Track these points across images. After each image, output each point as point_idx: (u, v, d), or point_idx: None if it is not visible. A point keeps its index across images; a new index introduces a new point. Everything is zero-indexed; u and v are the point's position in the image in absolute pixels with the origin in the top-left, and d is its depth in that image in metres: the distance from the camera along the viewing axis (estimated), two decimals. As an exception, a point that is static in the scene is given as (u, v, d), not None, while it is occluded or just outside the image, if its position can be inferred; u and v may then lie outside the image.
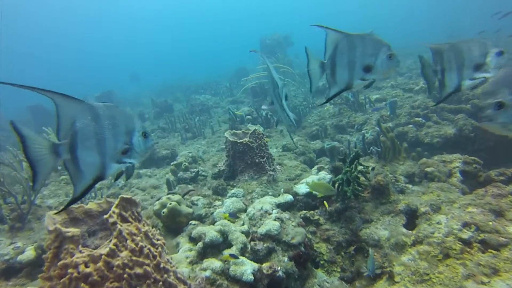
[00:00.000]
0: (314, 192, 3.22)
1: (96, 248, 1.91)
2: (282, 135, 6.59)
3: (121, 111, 1.41)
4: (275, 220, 2.69)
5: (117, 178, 1.78)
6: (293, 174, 4.55)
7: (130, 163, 1.48)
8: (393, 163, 4.16)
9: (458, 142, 5.23)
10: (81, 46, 61.81)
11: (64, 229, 1.65)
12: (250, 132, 4.38)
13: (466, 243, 2.22)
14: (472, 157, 3.55)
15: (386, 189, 3.16)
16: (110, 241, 1.74)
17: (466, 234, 2.25)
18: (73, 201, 1.35)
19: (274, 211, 2.85)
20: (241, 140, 4.24)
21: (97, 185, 5.29)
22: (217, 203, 3.43)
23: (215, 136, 7.21)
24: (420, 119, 5.94)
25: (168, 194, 3.42)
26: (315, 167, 4.28)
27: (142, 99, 15.93)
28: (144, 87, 19.31)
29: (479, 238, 2.20)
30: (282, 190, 3.57)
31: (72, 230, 1.67)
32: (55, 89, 1.26)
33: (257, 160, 4.27)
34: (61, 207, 1.66)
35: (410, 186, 3.65)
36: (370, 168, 3.28)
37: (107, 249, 1.63)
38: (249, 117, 6.83)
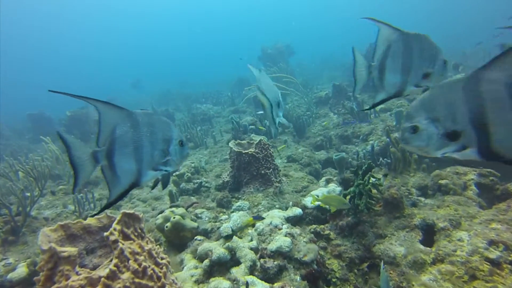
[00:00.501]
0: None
1: (94, 268, 1.75)
2: (286, 146, 6.45)
3: (160, 118, 1.43)
4: (286, 236, 2.52)
5: (154, 186, 1.87)
6: (299, 186, 4.40)
7: (166, 170, 1.48)
8: (404, 175, 4.02)
9: (467, 153, 5.09)
10: (80, 50, 62.05)
11: (59, 249, 1.49)
12: (255, 142, 4.25)
13: (495, 263, 2.06)
14: (488, 169, 3.41)
15: (400, 203, 3.01)
16: (111, 261, 1.58)
17: (493, 254, 2.09)
18: (108, 205, 1.37)
19: (284, 226, 2.68)
20: (246, 151, 4.10)
21: (97, 196, 5.13)
22: (223, 216, 3.27)
23: (217, 146, 7.07)
24: (427, 129, 5.82)
25: (171, 206, 3.26)
26: (323, 178, 4.13)
27: (143, 105, 15.87)
28: (144, 93, 19.27)
29: (510, 258, 2.04)
30: (290, 203, 3.41)
31: (69, 250, 1.51)
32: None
33: (263, 172, 4.12)
34: (93, 212, 1.54)
35: (422, 199, 3.49)
36: (382, 177, 3.14)
37: (107, 270, 1.47)
38: (252, 127, 6.71)
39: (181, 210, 2.80)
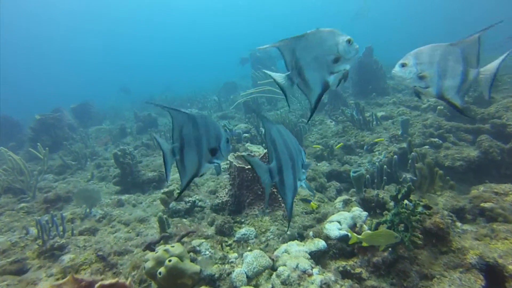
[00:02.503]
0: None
1: None
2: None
3: (212, 120, 1.65)
4: (321, 287, 1.92)
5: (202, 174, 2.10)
6: (309, 207, 3.81)
7: (217, 163, 1.68)
8: (430, 194, 3.53)
9: (482, 166, 4.72)
10: (59, 53, 59.20)
11: None
12: (260, 155, 3.64)
13: None
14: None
15: (446, 234, 2.48)
16: None
17: None
18: (181, 192, 1.83)
19: (315, 270, 2.08)
20: (249, 166, 3.47)
21: (69, 215, 4.32)
22: (232, 255, 2.61)
23: (207, 155, 6.39)
24: (436, 139, 5.43)
25: (164, 244, 2.59)
26: (339, 199, 3.57)
27: (122, 111, 14.86)
28: (124, 99, 18.22)
29: None
30: (310, 233, 2.81)
31: None
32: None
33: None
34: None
35: (459, 224, 3.00)
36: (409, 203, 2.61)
37: None
38: (246, 135, 6.09)
39: (178, 249, 2.14)
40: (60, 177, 6.50)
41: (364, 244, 2.31)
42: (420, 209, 2.35)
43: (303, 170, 1.59)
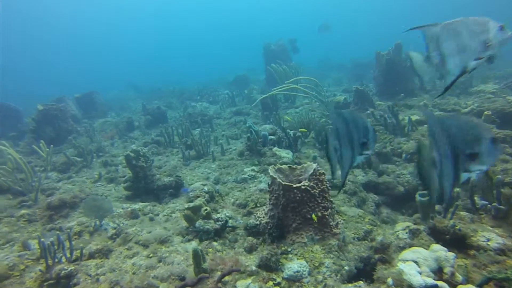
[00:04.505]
0: None
1: None
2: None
3: (358, 114, 1.79)
4: None
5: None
6: (361, 231, 3.23)
7: (367, 154, 1.76)
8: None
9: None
10: (66, 45, 57.74)
11: None
12: (309, 172, 3.03)
13: None
14: None
15: None
16: None
17: None
18: (344, 183, 1.96)
19: None
20: (298, 185, 2.88)
21: (76, 227, 3.76)
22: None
23: (227, 157, 5.78)
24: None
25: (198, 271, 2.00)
26: (401, 226, 2.98)
27: (128, 102, 14.20)
28: (130, 89, 17.56)
29: None
30: (390, 281, 2.22)
31: None
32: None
33: (319, 214, 2.92)
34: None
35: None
36: None
37: None
38: (272, 137, 5.47)
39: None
40: (64, 176, 5.90)
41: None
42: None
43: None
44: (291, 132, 5.49)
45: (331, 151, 1.74)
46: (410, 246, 2.61)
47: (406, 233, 2.84)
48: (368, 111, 7.33)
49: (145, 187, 4.73)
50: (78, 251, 3.15)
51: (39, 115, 7.56)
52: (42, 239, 2.92)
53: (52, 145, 5.40)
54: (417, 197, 3.04)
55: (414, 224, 3.05)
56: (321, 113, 8.10)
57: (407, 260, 2.39)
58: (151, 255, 3.03)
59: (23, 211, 4.17)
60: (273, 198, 3.04)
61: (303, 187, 2.87)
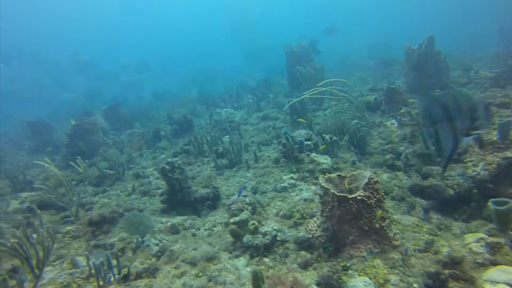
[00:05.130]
0: None
1: None
2: (356, 168, 5.03)
3: (460, 92, 2.13)
4: None
5: None
6: (421, 242, 3.00)
7: (477, 134, 1.71)
8: None
9: None
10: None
11: None
12: (362, 180, 2.84)
13: None
14: None
15: None
16: None
17: None
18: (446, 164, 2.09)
19: None
20: (354, 195, 2.69)
21: (118, 243, 3.73)
22: None
23: (261, 164, 5.63)
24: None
25: None
26: (473, 237, 2.73)
27: (150, 111, 14.37)
28: (150, 97, 17.83)
29: None
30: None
31: None
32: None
33: (377, 225, 2.72)
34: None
35: None
36: None
37: None
38: (308, 142, 5.29)
39: None
40: (99, 190, 5.96)
41: None
42: None
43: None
44: (327, 137, 5.29)
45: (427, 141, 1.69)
46: (492, 262, 2.36)
47: (482, 246, 2.59)
48: (402, 110, 7.01)
49: (182, 200, 4.67)
50: (125, 269, 3.10)
51: (73, 130, 7.73)
52: (92, 260, 2.87)
53: (87, 160, 5.45)
54: (491, 205, 2.77)
55: (489, 235, 2.77)
56: (351, 114, 7.83)
57: (498, 282, 2.14)
58: (200, 274, 2.92)
59: (68, 228, 4.20)
60: (327, 210, 2.87)
61: (359, 198, 2.68)
